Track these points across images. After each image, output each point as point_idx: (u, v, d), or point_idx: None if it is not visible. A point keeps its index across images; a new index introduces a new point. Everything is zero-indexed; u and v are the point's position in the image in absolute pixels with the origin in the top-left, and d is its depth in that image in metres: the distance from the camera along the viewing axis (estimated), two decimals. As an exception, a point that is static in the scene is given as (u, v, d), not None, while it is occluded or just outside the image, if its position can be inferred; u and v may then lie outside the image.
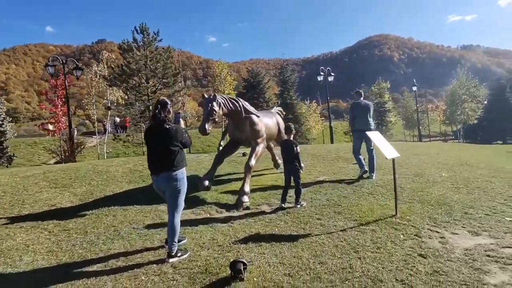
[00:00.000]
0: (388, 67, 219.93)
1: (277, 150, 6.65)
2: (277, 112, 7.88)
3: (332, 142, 22.28)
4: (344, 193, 5.67)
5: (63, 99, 21.57)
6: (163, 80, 18.37)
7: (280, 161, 8.21)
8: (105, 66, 22.54)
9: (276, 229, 4.16)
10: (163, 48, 18.91)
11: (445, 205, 4.92)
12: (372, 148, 6.41)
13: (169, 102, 3.47)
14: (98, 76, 21.94)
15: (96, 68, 22.79)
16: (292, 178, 5.05)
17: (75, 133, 23.49)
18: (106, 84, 20.32)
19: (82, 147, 15.57)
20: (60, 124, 20.79)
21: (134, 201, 5.35)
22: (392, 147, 4.78)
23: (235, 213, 4.87)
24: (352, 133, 6.93)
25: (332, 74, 22.58)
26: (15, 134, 22.01)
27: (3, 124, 16.67)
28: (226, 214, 4.87)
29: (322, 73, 21.91)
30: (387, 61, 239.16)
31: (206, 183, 5.49)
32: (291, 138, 5.26)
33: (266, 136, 6.15)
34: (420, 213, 4.57)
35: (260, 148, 5.81)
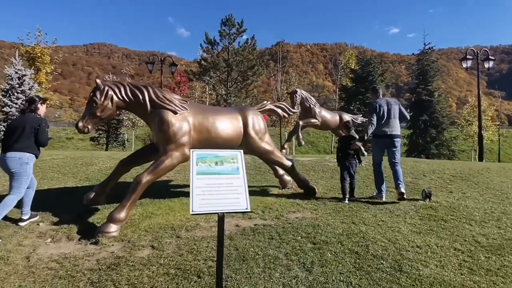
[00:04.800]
0: None
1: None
2: (282, 108, 5.97)
3: (481, 158, 15.78)
4: (271, 251, 3.30)
5: (185, 94, 25.69)
6: (247, 72, 18.04)
7: (288, 178, 6.21)
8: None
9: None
10: (247, 41, 18.56)
11: None
12: (396, 161, 5.27)
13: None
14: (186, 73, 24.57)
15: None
16: (348, 172, 5.39)
17: None
18: (188, 77, 22.29)
19: None
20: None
21: (44, 201, 4.97)
22: (243, 192, 2.21)
23: (79, 245, 3.61)
24: (373, 139, 5.55)
25: (491, 58, 15.61)
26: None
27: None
28: (68, 243, 3.67)
29: (469, 57, 15.34)
30: None
31: (91, 195, 4.55)
32: (349, 134, 5.77)
33: (196, 142, 4.52)
34: None
35: (169, 159, 4.20)
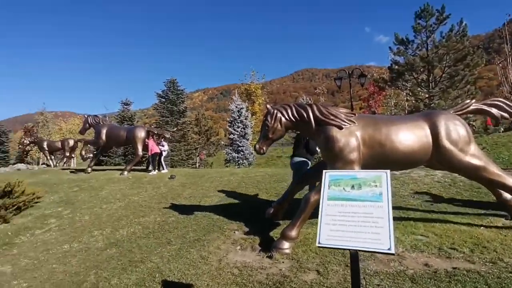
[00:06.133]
0: None
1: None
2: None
3: None
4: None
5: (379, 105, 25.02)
6: (457, 66, 14.34)
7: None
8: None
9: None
10: (451, 28, 14.71)
11: None
12: None
13: None
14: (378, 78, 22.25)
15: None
16: None
17: None
18: (378, 86, 19.90)
19: None
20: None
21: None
22: (386, 226, 1.53)
23: (258, 257, 4.02)
24: None
25: None
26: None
27: (246, 134, 23.05)
28: (251, 253, 4.16)
29: None
30: None
31: (271, 210, 5.01)
32: None
33: (369, 159, 4.10)
34: None
35: None
